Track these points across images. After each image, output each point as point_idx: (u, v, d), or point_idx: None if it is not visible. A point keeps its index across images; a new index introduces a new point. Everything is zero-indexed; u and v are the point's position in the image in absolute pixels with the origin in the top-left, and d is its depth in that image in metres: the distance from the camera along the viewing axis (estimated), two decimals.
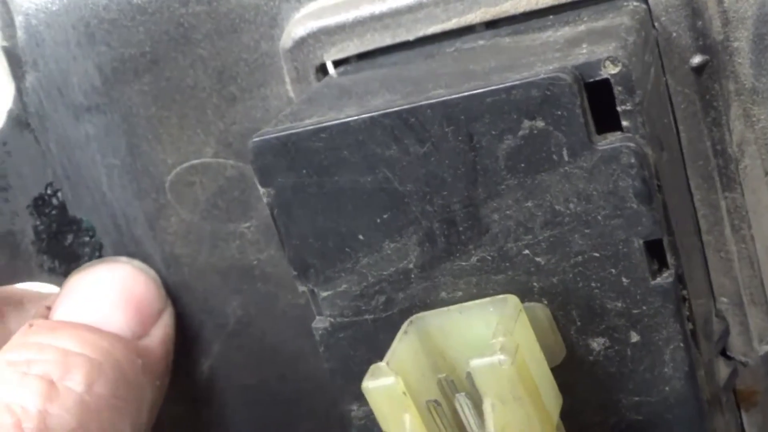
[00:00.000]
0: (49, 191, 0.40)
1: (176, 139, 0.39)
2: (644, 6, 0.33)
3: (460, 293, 0.32)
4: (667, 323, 0.30)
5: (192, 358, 0.42)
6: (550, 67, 0.29)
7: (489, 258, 0.31)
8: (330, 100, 0.33)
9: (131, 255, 0.41)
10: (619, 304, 0.30)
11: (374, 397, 0.29)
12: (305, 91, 0.37)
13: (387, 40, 0.36)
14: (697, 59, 0.34)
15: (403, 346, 0.31)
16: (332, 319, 0.33)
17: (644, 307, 0.30)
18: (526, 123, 0.29)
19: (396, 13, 0.36)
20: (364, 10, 0.36)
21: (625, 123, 0.29)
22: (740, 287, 0.36)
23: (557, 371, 0.31)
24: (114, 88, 0.39)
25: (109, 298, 0.39)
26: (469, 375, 0.30)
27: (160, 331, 0.40)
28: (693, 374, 0.31)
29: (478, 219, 0.31)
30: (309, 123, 0.31)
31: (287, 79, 0.38)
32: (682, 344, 0.30)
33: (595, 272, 0.30)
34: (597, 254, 0.30)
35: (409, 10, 0.36)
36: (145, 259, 0.41)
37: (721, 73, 0.34)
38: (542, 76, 0.29)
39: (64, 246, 0.41)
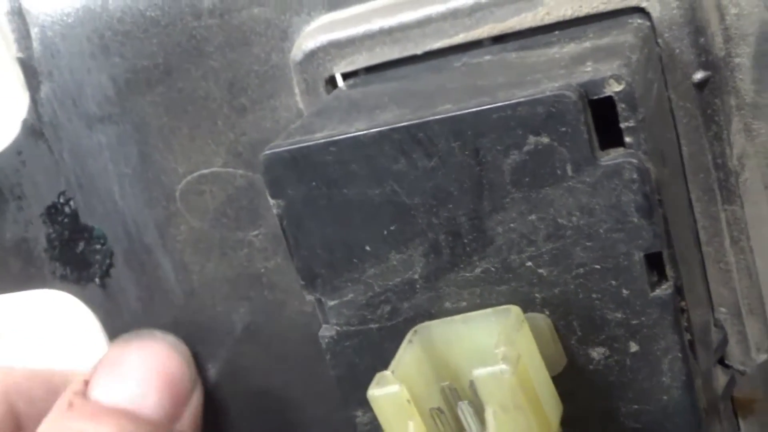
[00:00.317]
0: (61, 200, 0.41)
1: (187, 149, 0.40)
2: (648, 23, 0.34)
3: (464, 303, 0.32)
4: (666, 334, 0.31)
5: (199, 365, 0.43)
6: (556, 85, 0.30)
7: (493, 269, 0.32)
8: (340, 113, 0.34)
9: (141, 263, 0.42)
10: (619, 315, 0.31)
11: (379, 405, 0.30)
12: (315, 103, 0.38)
13: (395, 53, 0.37)
14: (699, 75, 0.35)
15: (408, 354, 0.31)
16: (338, 328, 0.34)
17: (643, 318, 0.31)
18: (532, 138, 0.30)
19: (405, 28, 0.37)
20: (374, 24, 0.37)
21: (627, 139, 0.30)
22: (739, 297, 0.36)
23: (558, 380, 0.32)
24: (127, 99, 0.40)
25: (146, 378, 0.40)
26: (471, 383, 0.31)
27: (192, 411, 0.40)
28: (691, 383, 0.31)
29: (483, 231, 0.31)
30: (319, 136, 0.32)
31: (297, 91, 0.39)
32: (680, 354, 0.31)
33: (596, 284, 0.31)
34: (598, 266, 0.31)
35: (418, 24, 0.37)
36: (155, 266, 0.42)
37: (723, 88, 0.35)
38: (548, 93, 0.29)
39: (76, 253, 0.41)
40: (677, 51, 0.34)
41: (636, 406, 0.32)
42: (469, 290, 0.32)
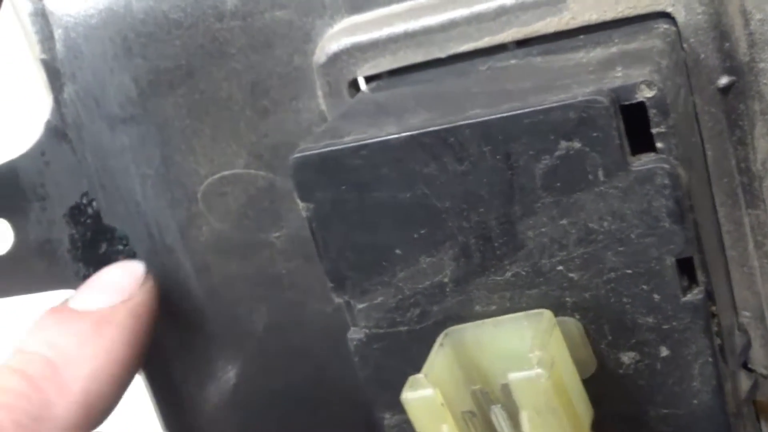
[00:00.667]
0: (84, 200, 0.41)
1: (209, 151, 0.40)
2: (674, 28, 0.34)
3: (493, 307, 0.33)
4: (697, 338, 0.31)
5: (219, 365, 0.43)
6: (587, 90, 0.30)
7: (523, 273, 0.32)
8: (367, 116, 0.34)
9: (163, 263, 0.42)
10: (650, 320, 0.31)
11: (413, 409, 0.30)
12: (337, 105, 0.38)
13: (419, 57, 0.37)
14: (723, 80, 0.35)
15: (440, 358, 0.32)
16: (367, 331, 0.34)
17: (674, 323, 0.31)
18: (563, 144, 0.30)
19: (429, 31, 0.37)
20: (398, 28, 0.37)
21: (659, 144, 0.30)
22: (762, 301, 0.37)
23: (587, 383, 0.32)
24: (149, 100, 0.40)
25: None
26: (503, 387, 0.31)
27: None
28: (720, 388, 0.32)
29: (514, 235, 0.31)
30: (349, 140, 0.32)
31: (319, 93, 0.39)
32: (710, 359, 0.31)
33: (627, 288, 0.31)
34: (629, 271, 0.31)
35: (442, 28, 0.37)
36: (177, 267, 0.42)
37: (747, 93, 0.35)
38: (580, 98, 0.30)
39: (99, 254, 0.41)
40: (702, 56, 0.35)
41: (665, 410, 0.32)
42: (499, 294, 0.32)
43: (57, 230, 0.41)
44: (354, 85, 0.38)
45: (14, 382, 0.38)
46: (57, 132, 0.40)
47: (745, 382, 0.36)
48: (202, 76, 0.39)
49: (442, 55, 0.37)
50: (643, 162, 0.30)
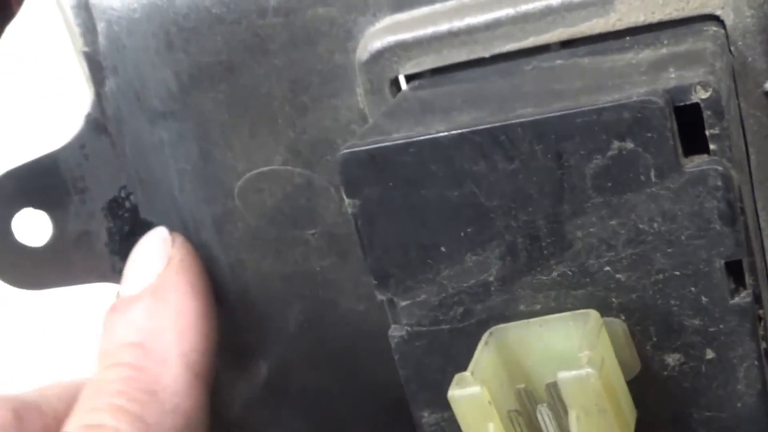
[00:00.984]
0: (122, 194, 0.41)
1: (247, 147, 0.40)
2: (722, 31, 0.34)
3: (538, 306, 0.33)
4: (743, 342, 0.31)
5: (252, 361, 0.43)
6: (641, 90, 0.30)
7: (570, 273, 0.32)
8: (413, 114, 0.34)
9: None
10: (697, 322, 0.31)
11: (460, 406, 0.30)
12: (378, 103, 0.38)
13: (463, 56, 0.37)
14: None
15: (485, 356, 0.31)
16: (409, 328, 0.34)
17: (721, 326, 0.31)
18: (616, 144, 0.30)
19: (473, 30, 0.37)
20: (442, 26, 0.37)
21: (712, 146, 0.30)
22: None
23: (631, 385, 0.32)
24: (189, 95, 0.40)
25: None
26: (548, 386, 0.31)
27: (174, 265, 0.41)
28: (765, 391, 0.32)
29: (562, 235, 0.31)
30: (398, 137, 0.32)
31: (359, 91, 0.39)
32: (756, 362, 0.31)
33: (675, 290, 0.31)
34: (678, 273, 0.31)
35: (487, 27, 0.37)
36: (211, 262, 0.42)
37: None
38: (635, 98, 0.30)
39: None
40: (749, 59, 0.35)
41: (708, 413, 0.32)
42: (545, 293, 0.32)
43: (95, 223, 0.41)
44: (395, 83, 0.38)
45: (115, 373, 0.38)
46: (97, 125, 0.40)
47: None
48: (242, 72, 0.39)
49: (486, 54, 0.37)
50: (697, 163, 0.30)
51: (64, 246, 0.40)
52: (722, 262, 0.31)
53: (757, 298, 0.31)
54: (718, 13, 0.34)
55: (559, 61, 0.35)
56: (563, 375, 0.29)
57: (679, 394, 0.32)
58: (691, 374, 0.32)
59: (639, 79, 0.31)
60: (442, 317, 0.33)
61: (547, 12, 0.36)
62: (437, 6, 0.38)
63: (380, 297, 0.34)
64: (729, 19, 0.34)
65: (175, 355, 0.39)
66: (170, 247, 0.41)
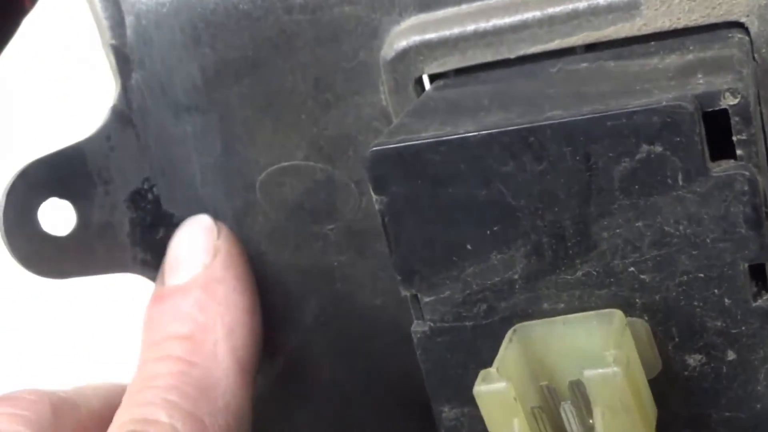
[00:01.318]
0: (146, 186, 0.41)
1: (269, 141, 0.41)
2: (747, 38, 0.34)
3: (562, 305, 0.33)
4: (765, 344, 0.32)
5: (268, 354, 0.43)
6: (670, 95, 0.30)
7: (594, 273, 0.32)
8: (440, 114, 0.34)
9: None
10: (719, 324, 0.32)
11: (485, 402, 0.31)
12: (401, 102, 0.38)
13: (488, 57, 0.38)
14: None
15: (510, 353, 0.32)
16: (432, 324, 0.34)
17: (743, 328, 0.32)
18: (644, 147, 0.31)
19: (499, 32, 0.37)
20: (468, 27, 0.37)
21: (739, 152, 0.31)
22: None
23: (652, 384, 0.32)
24: (214, 90, 0.40)
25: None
26: (572, 384, 0.31)
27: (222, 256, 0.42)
28: None
29: (588, 236, 0.32)
30: (428, 135, 0.33)
31: (382, 89, 0.39)
32: None
33: (699, 292, 0.32)
34: (702, 275, 0.31)
35: (513, 29, 0.37)
36: None
37: None
38: (664, 103, 0.30)
39: (156, 239, 0.42)
40: None
41: (728, 414, 0.33)
42: (569, 292, 0.33)
43: (118, 214, 0.41)
44: (419, 82, 0.39)
45: (166, 367, 0.39)
46: (123, 117, 0.41)
47: None
48: (267, 68, 0.40)
49: (511, 55, 0.37)
50: (724, 168, 0.31)
51: (87, 236, 0.40)
52: (746, 265, 0.31)
53: None
54: (743, 20, 0.35)
55: (584, 64, 0.36)
56: (590, 373, 0.30)
57: (699, 394, 0.33)
58: (712, 375, 0.32)
59: (667, 84, 0.32)
60: (466, 314, 0.34)
61: (573, 15, 0.36)
62: (463, 7, 0.38)
63: (404, 293, 0.34)
64: (754, 26, 0.35)
65: (225, 351, 0.39)
66: (216, 237, 0.41)
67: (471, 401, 0.31)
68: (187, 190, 0.42)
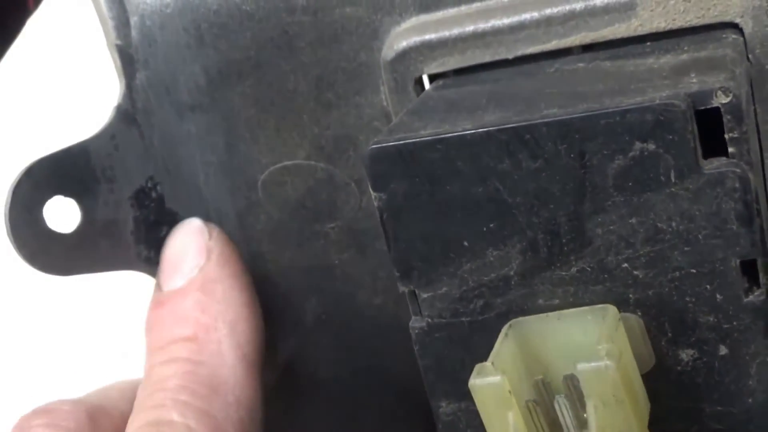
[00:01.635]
0: (149, 184, 0.42)
1: (272, 141, 0.41)
2: (741, 39, 0.35)
3: (557, 301, 0.33)
4: (756, 339, 0.32)
5: (269, 352, 0.44)
6: (664, 94, 0.31)
7: (588, 269, 0.33)
8: (439, 113, 0.35)
9: None
10: (711, 319, 0.32)
11: (480, 395, 0.31)
12: (402, 102, 0.39)
13: (487, 57, 0.38)
14: None
15: (505, 347, 0.32)
16: (430, 320, 0.35)
17: (735, 323, 0.32)
18: (638, 145, 0.31)
19: (498, 32, 0.38)
20: (467, 28, 0.38)
21: (731, 150, 0.31)
22: None
23: (645, 378, 0.33)
24: (217, 90, 0.41)
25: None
26: (566, 378, 0.32)
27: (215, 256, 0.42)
28: None
29: (582, 232, 0.32)
30: (426, 134, 0.33)
31: (383, 89, 0.40)
32: None
33: (691, 287, 0.32)
34: (694, 271, 0.32)
35: (511, 30, 0.38)
36: None
37: None
38: (657, 101, 0.31)
39: (160, 237, 0.42)
40: (767, 67, 0.36)
41: (720, 408, 0.33)
42: (563, 288, 0.33)
43: (122, 212, 0.42)
44: (419, 82, 0.39)
45: (173, 369, 0.39)
46: (127, 117, 0.41)
47: None
48: (269, 69, 0.40)
49: (510, 56, 0.38)
50: (715, 165, 0.31)
51: (91, 233, 0.41)
52: (738, 261, 0.32)
53: None
54: (737, 21, 0.35)
55: (581, 64, 0.36)
56: (582, 366, 0.30)
57: (691, 389, 0.33)
58: (704, 369, 0.33)
59: (661, 83, 0.32)
60: (463, 310, 0.34)
61: (571, 16, 0.37)
62: (462, 8, 0.39)
63: (402, 289, 0.35)
64: (748, 27, 0.35)
65: (230, 348, 0.40)
66: (207, 239, 0.41)
67: (468, 396, 0.32)
68: (190, 188, 0.42)
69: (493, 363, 0.32)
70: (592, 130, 0.31)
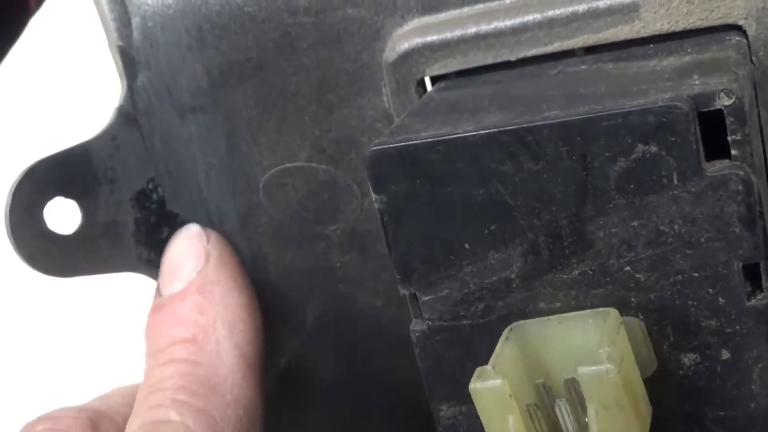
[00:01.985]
0: (150, 185, 0.42)
1: (273, 142, 0.41)
2: (744, 41, 0.35)
3: (558, 304, 0.33)
4: (759, 343, 0.32)
5: (270, 354, 0.44)
6: (666, 96, 0.31)
7: (590, 272, 0.33)
8: (440, 114, 0.35)
9: None
10: (714, 323, 0.32)
11: (481, 399, 0.31)
12: (404, 103, 0.39)
13: (489, 59, 0.38)
14: None
15: (506, 351, 0.32)
16: (430, 323, 0.35)
17: (737, 327, 0.32)
18: (640, 147, 0.31)
19: (500, 34, 0.38)
20: (469, 30, 0.38)
21: (734, 152, 0.31)
22: None
23: (647, 382, 0.33)
24: (219, 91, 0.41)
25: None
26: (567, 382, 0.32)
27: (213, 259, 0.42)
28: None
29: (584, 235, 0.32)
30: (427, 135, 0.33)
31: (384, 91, 0.40)
32: None
33: (693, 291, 0.32)
34: (696, 274, 0.32)
35: (514, 31, 0.37)
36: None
37: None
38: (660, 103, 0.30)
39: (161, 239, 0.42)
40: None
41: (722, 413, 0.33)
42: (565, 291, 0.33)
43: (123, 213, 0.42)
44: (421, 84, 0.39)
45: (172, 370, 0.39)
46: (128, 118, 0.41)
47: None
48: (271, 70, 0.40)
49: (512, 58, 0.38)
50: (718, 168, 0.31)
51: (92, 235, 0.41)
52: (740, 264, 0.31)
53: None
54: (740, 23, 0.35)
55: (583, 66, 0.36)
56: (583, 370, 0.30)
57: (693, 393, 0.33)
58: (706, 374, 0.33)
59: (664, 85, 0.32)
60: (464, 312, 0.34)
61: (573, 18, 0.37)
62: (464, 9, 0.39)
63: (403, 291, 0.35)
64: (751, 29, 0.35)
65: (228, 348, 0.40)
66: (206, 243, 0.41)
67: (468, 400, 0.32)
68: (191, 190, 0.42)
69: (493, 366, 0.31)
70: (594, 131, 0.31)
